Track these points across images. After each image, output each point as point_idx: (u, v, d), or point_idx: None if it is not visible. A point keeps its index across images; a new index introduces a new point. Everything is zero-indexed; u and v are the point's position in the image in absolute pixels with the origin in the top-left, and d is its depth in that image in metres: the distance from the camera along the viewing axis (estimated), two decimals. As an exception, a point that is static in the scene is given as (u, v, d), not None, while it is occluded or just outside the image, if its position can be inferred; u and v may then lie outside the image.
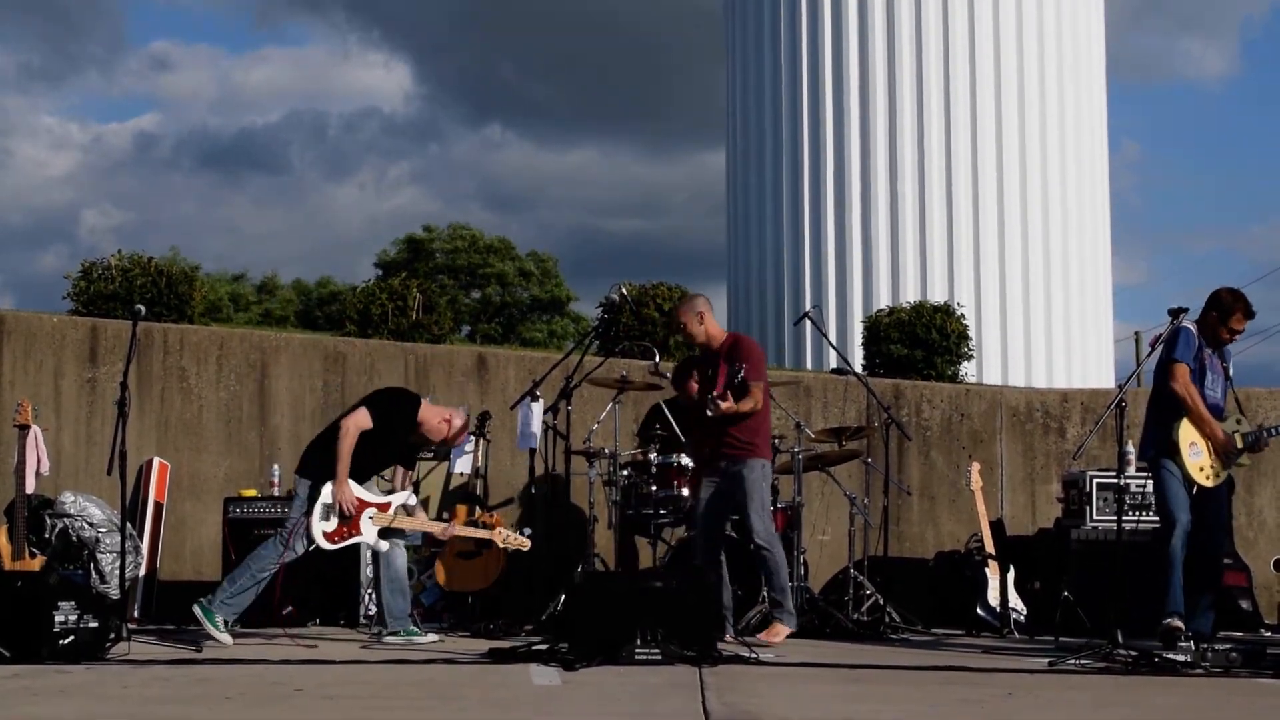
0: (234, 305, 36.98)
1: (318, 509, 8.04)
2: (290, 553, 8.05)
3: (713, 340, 8.65)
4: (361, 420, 8.08)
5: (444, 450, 9.39)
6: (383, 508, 8.16)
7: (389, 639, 8.11)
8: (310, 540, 8.06)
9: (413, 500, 8.35)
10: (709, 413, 8.26)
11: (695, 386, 8.75)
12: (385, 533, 8.19)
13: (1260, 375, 52.32)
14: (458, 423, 8.40)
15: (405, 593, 8.30)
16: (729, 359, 8.52)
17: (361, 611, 9.36)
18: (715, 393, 8.32)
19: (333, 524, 8.06)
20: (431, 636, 8.23)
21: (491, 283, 40.62)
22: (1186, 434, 7.99)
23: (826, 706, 5.83)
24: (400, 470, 8.54)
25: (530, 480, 9.50)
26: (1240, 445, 8.10)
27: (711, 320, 8.69)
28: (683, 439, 9.35)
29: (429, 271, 37.47)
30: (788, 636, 8.37)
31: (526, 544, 8.53)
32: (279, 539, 8.12)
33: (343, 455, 8.02)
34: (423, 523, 8.46)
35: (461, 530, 8.65)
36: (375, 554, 8.29)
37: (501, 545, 8.53)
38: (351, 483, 8.08)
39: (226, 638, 7.89)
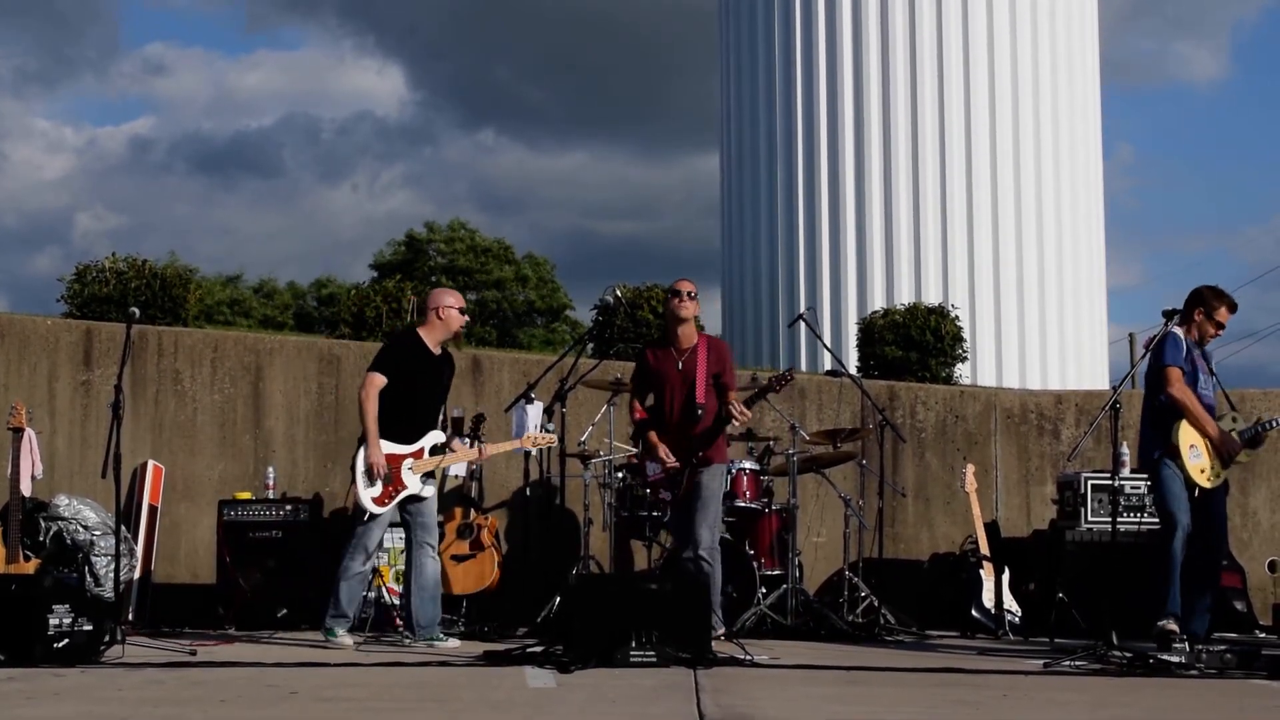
0: (232, 310, 36.92)
1: (360, 479, 8.03)
2: (357, 546, 8.12)
3: (690, 328, 8.54)
4: (374, 382, 8.09)
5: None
6: (417, 454, 8.16)
7: (417, 645, 8.08)
8: (363, 511, 8.05)
9: (442, 438, 8.29)
10: (713, 417, 8.23)
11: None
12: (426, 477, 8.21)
13: (1254, 376, 52.43)
14: (449, 298, 8.41)
15: (436, 600, 8.26)
16: (710, 360, 8.42)
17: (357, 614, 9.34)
18: (739, 406, 8.27)
19: (378, 488, 8.05)
20: (454, 643, 8.17)
21: (489, 286, 40.63)
22: (1186, 436, 8.01)
23: (821, 708, 5.82)
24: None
25: (525, 483, 9.50)
26: (1240, 443, 8.14)
27: None
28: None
29: (425, 273, 37.47)
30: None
31: (552, 440, 8.72)
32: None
33: (366, 420, 8.04)
34: (458, 455, 8.44)
35: (494, 448, 8.65)
36: (409, 558, 8.27)
37: (533, 447, 8.67)
38: (382, 441, 8.06)
39: (346, 640, 8.07)
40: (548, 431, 8.80)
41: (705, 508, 8.29)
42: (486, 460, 8.84)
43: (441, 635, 8.19)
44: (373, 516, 8.07)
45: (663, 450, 8.39)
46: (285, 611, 9.21)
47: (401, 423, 8.13)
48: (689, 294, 8.47)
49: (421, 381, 8.23)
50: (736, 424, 8.38)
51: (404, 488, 8.10)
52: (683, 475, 8.34)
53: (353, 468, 8.12)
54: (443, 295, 8.45)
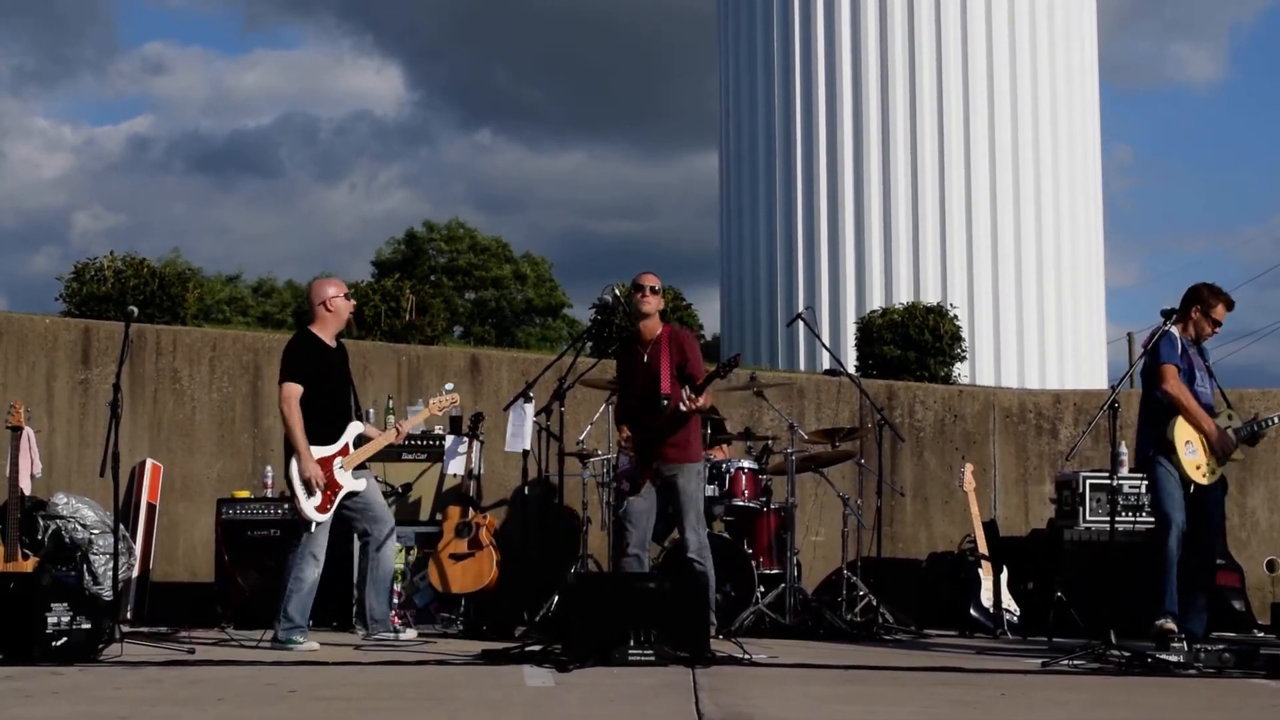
0: (230, 308, 36.91)
1: (299, 491, 7.94)
2: (305, 554, 7.99)
3: (654, 320, 8.43)
4: (290, 392, 7.98)
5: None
6: (343, 451, 8.09)
7: (372, 638, 8.08)
8: (309, 522, 7.96)
9: (361, 429, 8.24)
10: (678, 406, 8.05)
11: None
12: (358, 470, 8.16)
13: (1251, 376, 52.44)
14: (331, 288, 8.30)
15: (388, 594, 8.26)
16: (672, 351, 8.29)
17: (354, 613, 9.35)
18: (686, 390, 8.10)
19: (318, 496, 7.97)
20: (411, 633, 8.19)
21: (488, 286, 40.66)
22: (1182, 433, 8.03)
23: (820, 708, 5.82)
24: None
25: (523, 482, 9.50)
26: (1235, 440, 8.15)
27: None
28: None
29: (425, 272, 37.49)
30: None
31: (455, 399, 8.70)
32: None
33: (294, 433, 7.95)
34: (378, 441, 8.36)
35: (407, 425, 8.56)
36: (363, 551, 8.25)
37: (439, 411, 8.60)
38: (312, 447, 7.99)
39: (311, 645, 7.87)
40: (448, 392, 8.79)
41: (686, 512, 8.20)
42: (401, 440, 8.76)
43: (396, 627, 8.22)
44: (318, 525, 8.00)
45: (623, 435, 8.36)
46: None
47: (322, 424, 8.05)
48: (651, 288, 8.37)
49: (330, 379, 8.15)
50: (683, 407, 8.20)
51: (340, 488, 8.04)
52: (646, 467, 8.22)
53: (288, 481, 8.02)
54: (325, 287, 8.34)
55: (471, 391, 10.95)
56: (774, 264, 20.37)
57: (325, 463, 8.02)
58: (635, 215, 70.33)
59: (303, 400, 7.99)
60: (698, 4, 35.60)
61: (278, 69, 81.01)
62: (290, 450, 8.01)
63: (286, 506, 9.63)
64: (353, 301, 8.39)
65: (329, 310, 8.23)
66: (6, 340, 10.61)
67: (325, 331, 8.23)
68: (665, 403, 8.16)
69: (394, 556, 8.31)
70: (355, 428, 8.20)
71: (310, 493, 7.95)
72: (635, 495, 8.21)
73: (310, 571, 7.98)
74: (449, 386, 8.91)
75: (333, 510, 8.03)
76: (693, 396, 8.08)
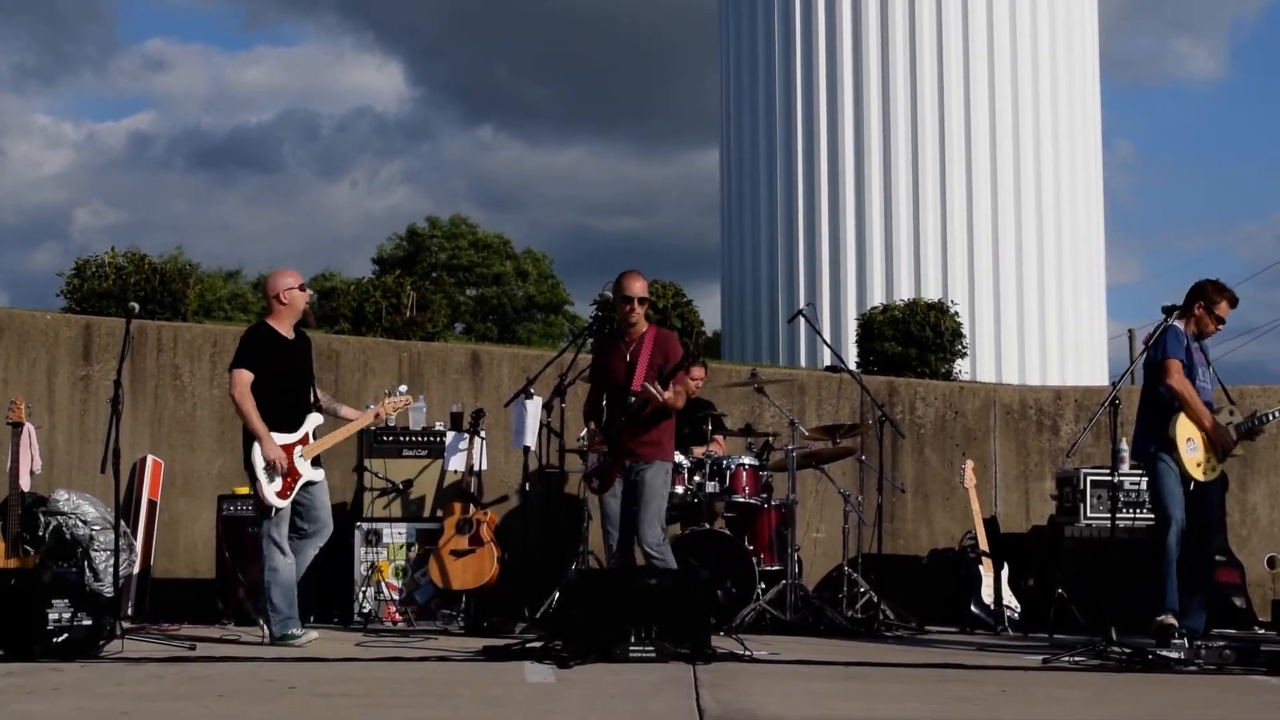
0: (231, 304, 36.93)
1: (261, 476, 7.94)
2: (269, 543, 7.97)
3: (640, 325, 8.37)
4: (243, 379, 7.99)
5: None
6: (303, 440, 8.11)
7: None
8: (269, 508, 7.96)
9: (320, 420, 8.25)
10: (635, 403, 8.02)
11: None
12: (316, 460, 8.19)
13: (1252, 373, 52.40)
14: (287, 279, 8.27)
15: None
16: (655, 351, 8.22)
17: (356, 609, 9.36)
18: (645, 382, 8.04)
19: (278, 482, 7.98)
20: (313, 634, 8.05)
21: (489, 282, 40.67)
22: (1184, 430, 8.02)
23: (821, 704, 5.83)
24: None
25: (525, 477, 9.49)
26: (1235, 436, 8.14)
27: None
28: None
29: (426, 269, 37.50)
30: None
31: (409, 400, 8.68)
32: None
33: (249, 417, 7.95)
34: (355, 423, 8.41)
35: (389, 406, 8.48)
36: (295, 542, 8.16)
37: (394, 411, 8.55)
38: (273, 434, 8.00)
39: (310, 634, 7.92)
40: (402, 394, 8.74)
41: (647, 506, 8.12)
42: (382, 423, 8.80)
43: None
44: (278, 511, 7.99)
45: (589, 430, 8.32)
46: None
47: (281, 414, 8.06)
48: (639, 299, 8.29)
49: (286, 370, 8.15)
50: (652, 391, 8.04)
51: (300, 475, 8.06)
52: (613, 463, 8.17)
53: (248, 468, 8.00)
54: (281, 278, 8.31)
55: (472, 388, 10.95)
56: (775, 260, 20.36)
57: (286, 450, 8.04)
58: (636, 212, 70.42)
59: (261, 391, 8.01)
60: (698, 3, 35.59)
61: (279, 65, 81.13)
62: (249, 438, 8.01)
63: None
64: (309, 292, 8.37)
65: (283, 303, 8.22)
66: (7, 336, 10.61)
67: (281, 323, 8.23)
68: (632, 399, 8.15)
69: (308, 562, 8.20)
70: (315, 419, 8.23)
71: (271, 478, 7.97)
72: (606, 493, 8.19)
73: (280, 559, 7.99)
74: (403, 389, 8.86)
75: (292, 497, 8.04)
76: (653, 390, 8.06)
